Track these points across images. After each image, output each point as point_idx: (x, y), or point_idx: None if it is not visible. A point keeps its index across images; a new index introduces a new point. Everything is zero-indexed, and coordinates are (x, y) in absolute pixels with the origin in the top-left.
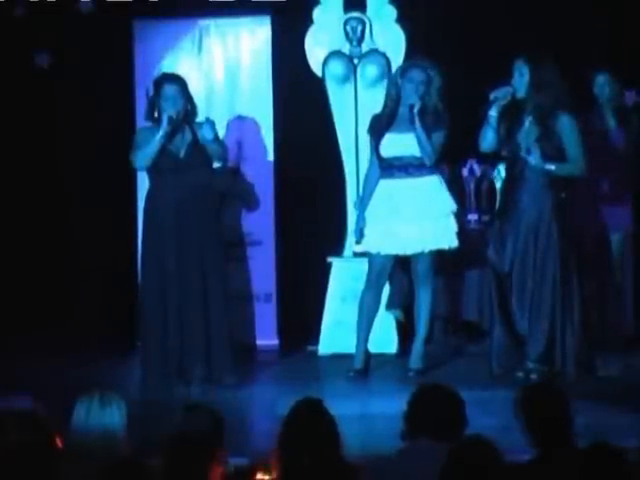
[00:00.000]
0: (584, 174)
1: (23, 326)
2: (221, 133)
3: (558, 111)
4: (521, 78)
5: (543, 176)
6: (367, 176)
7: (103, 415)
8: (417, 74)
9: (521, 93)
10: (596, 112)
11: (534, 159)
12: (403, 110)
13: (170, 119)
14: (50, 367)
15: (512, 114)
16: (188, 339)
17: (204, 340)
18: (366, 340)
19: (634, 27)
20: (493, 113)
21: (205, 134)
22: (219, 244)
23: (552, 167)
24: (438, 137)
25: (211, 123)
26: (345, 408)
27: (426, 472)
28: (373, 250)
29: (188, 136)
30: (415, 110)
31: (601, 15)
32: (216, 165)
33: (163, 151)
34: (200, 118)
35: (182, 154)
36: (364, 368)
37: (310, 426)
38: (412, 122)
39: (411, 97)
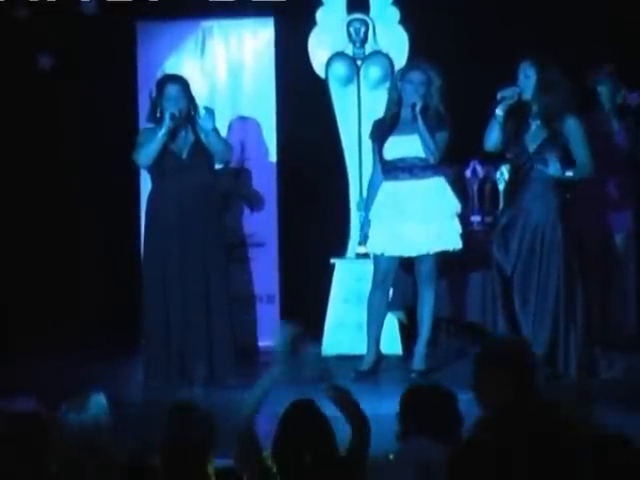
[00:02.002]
0: (592, 176)
1: (26, 326)
2: (224, 134)
3: (565, 113)
4: (527, 80)
5: (548, 178)
6: (371, 180)
7: (81, 416)
8: (417, 75)
9: (527, 95)
10: (599, 113)
11: (554, 170)
12: (405, 112)
13: (172, 116)
14: (52, 367)
15: (518, 115)
16: (190, 340)
17: (206, 341)
18: (377, 341)
19: (637, 28)
20: (500, 112)
21: (204, 124)
22: (221, 245)
23: (571, 174)
24: (441, 138)
25: (211, 112)
26: None
27: (423, 471)
28: (378, 251)
29: (190, 137)
30: (417, 109)
31: (604, 16)
32: (218, 166)
33: (166, 152)
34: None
35: (184, 155)
36: (371, 370)
37: (302, 426)
38: (415, 120)
39: (412, 97)
